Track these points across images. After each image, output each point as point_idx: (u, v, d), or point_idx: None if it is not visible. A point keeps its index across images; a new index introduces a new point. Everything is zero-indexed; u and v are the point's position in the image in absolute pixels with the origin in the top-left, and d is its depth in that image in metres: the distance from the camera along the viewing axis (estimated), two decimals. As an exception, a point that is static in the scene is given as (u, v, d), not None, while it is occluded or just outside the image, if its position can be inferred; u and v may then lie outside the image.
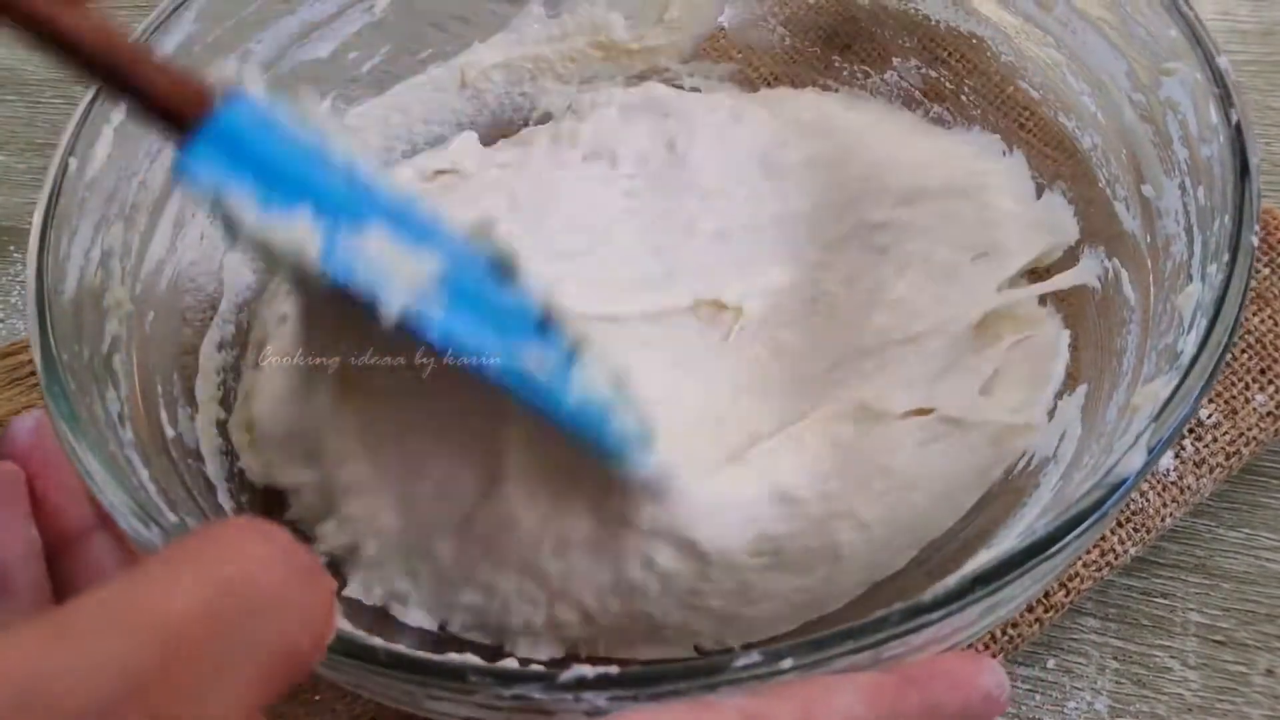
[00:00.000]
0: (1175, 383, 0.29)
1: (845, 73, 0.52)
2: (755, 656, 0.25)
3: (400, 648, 0.27)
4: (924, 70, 0.50)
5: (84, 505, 0.31)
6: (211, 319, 0.45)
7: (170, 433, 0.38)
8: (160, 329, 0.40)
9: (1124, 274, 0.39)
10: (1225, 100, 0.34)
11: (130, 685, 0.19)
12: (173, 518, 0.31)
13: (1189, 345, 0.30)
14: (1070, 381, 0.41)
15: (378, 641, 0.27)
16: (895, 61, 0.51)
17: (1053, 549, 0.27)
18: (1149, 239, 0.38)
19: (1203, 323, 0.31)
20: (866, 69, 0.52)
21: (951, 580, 0.26)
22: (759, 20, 0.54)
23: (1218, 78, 0.35)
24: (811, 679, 0.26)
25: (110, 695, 0.18)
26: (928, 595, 0.26)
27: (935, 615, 0.26)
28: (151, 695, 0.19)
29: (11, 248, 0.59)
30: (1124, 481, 0.28)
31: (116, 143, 0.38)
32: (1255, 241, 0.32)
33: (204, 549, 0.22)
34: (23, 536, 0.30)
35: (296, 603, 0.22)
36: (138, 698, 0.19)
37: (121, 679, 0.19)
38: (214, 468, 0.40)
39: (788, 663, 0.25)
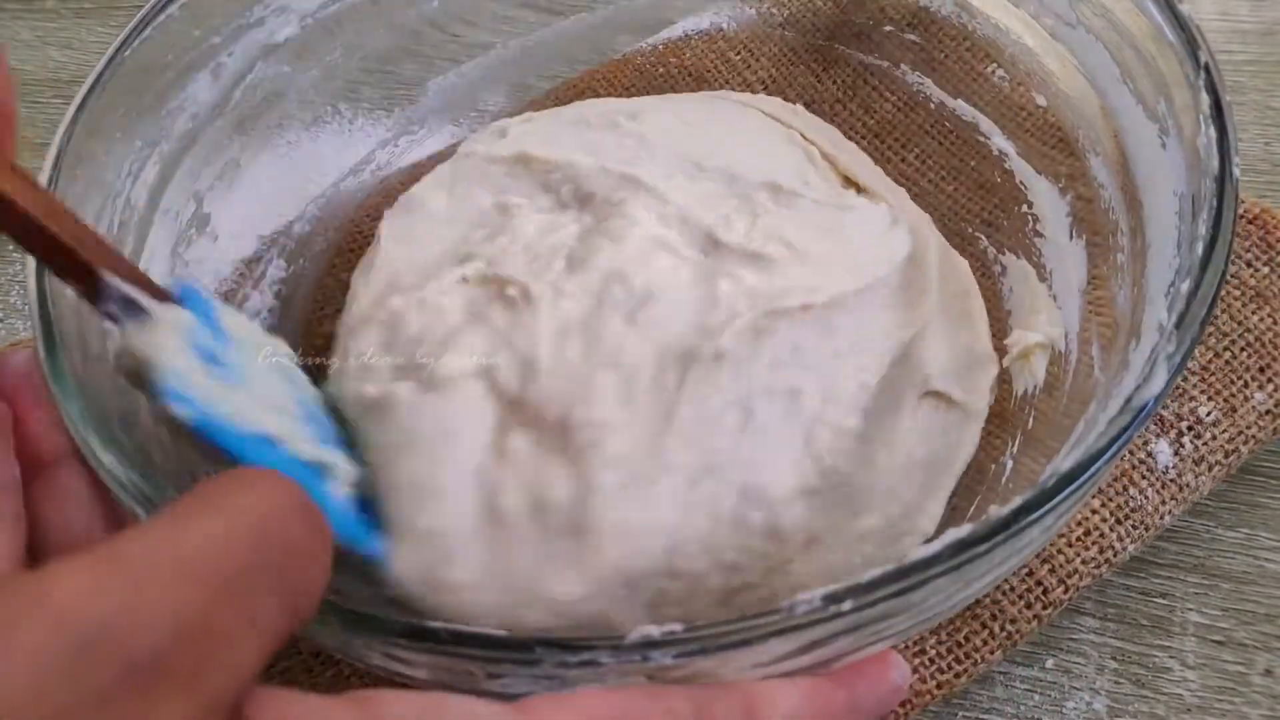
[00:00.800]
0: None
1: (844, 75, 0.52)
2: (816, 601, 0.25)
3: (463, 626, 0.27)
4: (923, 74, 0.50)
5: (59, 435, 0.31)
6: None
7: None
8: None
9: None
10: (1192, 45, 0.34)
11: (180, 630, 0.19)
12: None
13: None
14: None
15: (439, 623, 0.27)
16: (894, 64, 0.51)
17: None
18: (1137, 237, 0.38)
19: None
20: (866, 71, 0.52)
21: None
22: (758, 22, 0.54)
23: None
24: (756, 681, 0.28)
25: (163, 640, 0.19)
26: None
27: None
28: (196, 641, 0.19)
29: (10, 247, 0.59)
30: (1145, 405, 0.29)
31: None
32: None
33: (237, 496, 0.22)
34: (6, 468, 0.30)
35: (316, 556, 0.23)
36: (186, 643, 0.19)
37: (173, 624, 0.19)
38: None
39: (847, 604, 0.25)
